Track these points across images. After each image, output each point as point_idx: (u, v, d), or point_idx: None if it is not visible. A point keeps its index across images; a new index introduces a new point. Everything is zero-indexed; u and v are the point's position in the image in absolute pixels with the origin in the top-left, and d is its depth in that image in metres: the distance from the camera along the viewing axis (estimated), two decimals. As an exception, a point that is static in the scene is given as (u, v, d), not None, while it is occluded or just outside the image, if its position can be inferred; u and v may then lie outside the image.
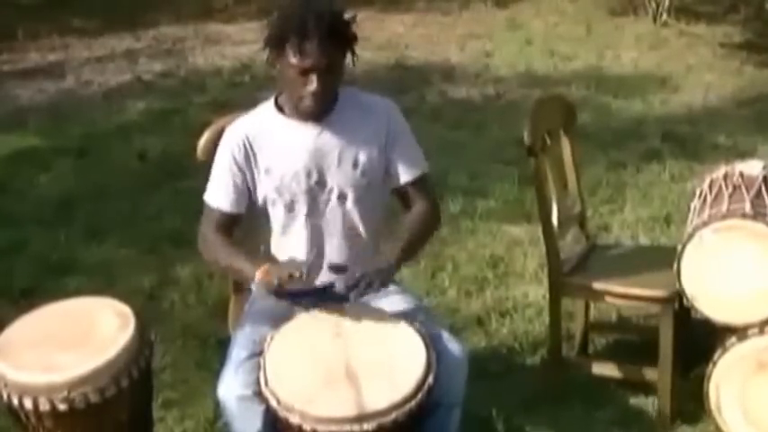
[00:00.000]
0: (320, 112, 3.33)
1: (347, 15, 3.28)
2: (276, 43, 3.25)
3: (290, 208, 3.39)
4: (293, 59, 3.19)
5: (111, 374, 3.15)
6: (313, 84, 3.21)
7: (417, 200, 3.47)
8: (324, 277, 3.45)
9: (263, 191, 3.39)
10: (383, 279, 3.23)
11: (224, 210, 3.39)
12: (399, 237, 3.38)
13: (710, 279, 3.72)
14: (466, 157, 7.06)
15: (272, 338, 3.17)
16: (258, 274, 3.16)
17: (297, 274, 3.08)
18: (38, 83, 9.18)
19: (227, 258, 3.34)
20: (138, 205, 6.31)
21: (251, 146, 3.37)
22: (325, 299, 3.36)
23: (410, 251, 3.40)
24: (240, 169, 3.38)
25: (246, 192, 3.40)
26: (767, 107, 8.19)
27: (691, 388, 4.08)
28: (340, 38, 3.23)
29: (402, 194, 3.50)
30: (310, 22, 3.15)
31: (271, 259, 3.34)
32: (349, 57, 3.33)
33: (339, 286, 3.22)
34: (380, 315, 3.29)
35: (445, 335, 3.28)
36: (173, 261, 5.52)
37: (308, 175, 3.36)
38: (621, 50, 10.00)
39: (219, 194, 3.40)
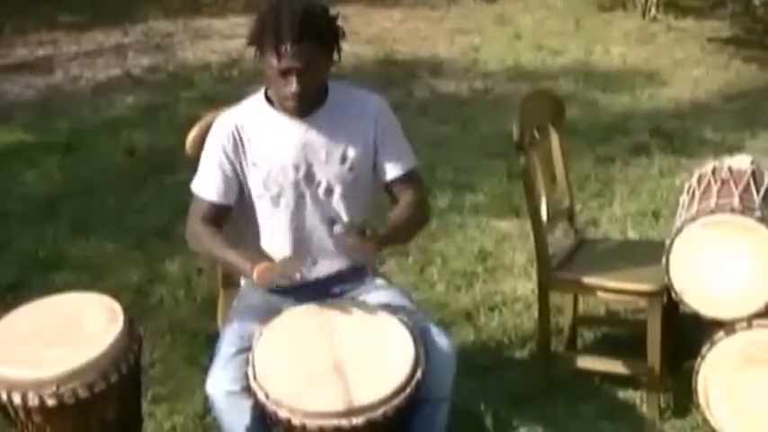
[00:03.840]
0: (304, 110, 3.33)
1: (331, 13, 3.28)
2: (256, 44, 3.26)
3: (276, 202, 3.38)
4: (271, 61, 3.19)
5: (99, 370, 3.14)
6: (292, 85, 3.21)
7: (407, 194, 3.47)
8: (313, 273, 3.45)
9: (250, 184, 3.38)
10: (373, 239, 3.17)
11: (213, 201, 3.38)
12: (388, 223, 3.34)
13: (699, 274, 3.73)
14: (454, 151, 7.07)
15: (260, 333, 3.17)
16: (256, 273, 3.15)
17: (296, 276, 3.09)
18: (25, 78, 9.16)
19: (220, 251, 3.32)
20: (126, 200, 6.30)
21: (240, 137, 3.37)
22: (315, 294, 3.36)
23: (397, 233, 3.33)
24: (229, 160, 3.37)
25: (236, 183, 3.39)
26: (755, 102, 8.22)
27: (679, 382, 4.10)
28: (318, 37, 3.20)
29: (391, 190, 3.49)
30: (285, 24, 3.14)
31: (264, 256, 3.33)
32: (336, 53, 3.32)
33: (338, 230, 3.28)
34: (369, 310, 3.29)
35: (434, 329, 3.28)
36: (161, 256, 5.51)
37: (296, 168, 3.35)
38: (610, 45, 10.03)
39: (208, 185, 3.39)
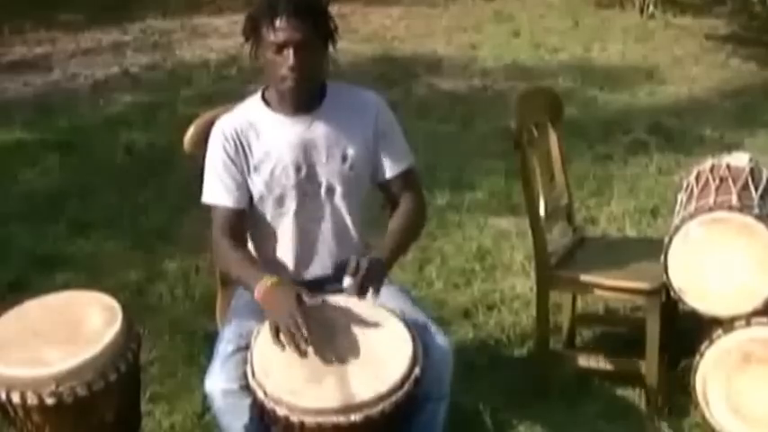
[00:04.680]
0: (302, 92, 3.31)
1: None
2: (251, 28, 3.27)
3: (280, 203, 3.38)
4: (268, 38, 3.20)
5: (98, 368, 3.14)
6: (290, 59, 3.20)
7: (403, 196, 3.47)
8: (314, 272, 3.45)
9: (253, 187, 3.37)
10: (379, 270, 3.20)
11: (229, 206, 3.35)
12: (387, 238, 3.38)
13: (697, 271, 3.73)
14: (453, 149, 7.08)
15: (258, 331, 3.17)
16: (257, 292, 3.13)
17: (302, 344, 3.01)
18: (24, 76, 9.17)
19: (234, 268, 3.30)
20: (125, 199, 6.30)
21: (241, 140, 3.35)
22: (314, 292, 3.36)
23: (398, 251, 3.40)
24: (234, 163, 3.35)
25: (245, 185, 3.36)
26: (752, 100, 8.23)
27: (677, 380, 4.10)
28: (313, 14, 3.23)
29: (388, 189, 3.49)
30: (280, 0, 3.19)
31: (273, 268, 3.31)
32: (331, 48, 3.33)
33: (347, 284, 3.16)
34: (367, 306, 3.28)
35: (432, 327, 3.28)
36: (160, 255, 5.51)
37: (298, 169, 3.35)
38: (608, 43, 10.04)
39: (220, 192, 3.35)
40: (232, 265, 3.32)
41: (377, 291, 3.15)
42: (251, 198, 3.39)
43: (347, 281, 3.15)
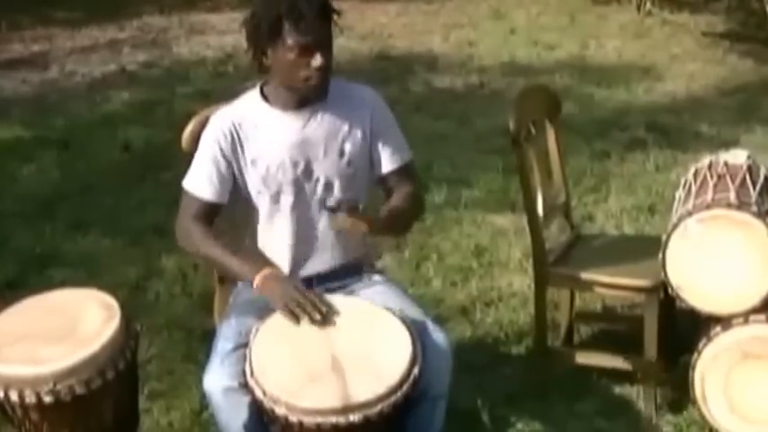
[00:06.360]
0: (322, 90, 3.33)
1: None
2: (270, 31, 3.21)
3: (276, 199, 3.37)
4: (293, 40, 3.19)
5: (96, 366, 3.13)
6: (318, 60, 3.21)
7: (401, 187, 3.46)
8: (313, 268, 3.45)
9: (249, 182, 3.37)
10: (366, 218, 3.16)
11: (206, 199, 3.36)
12: (384, 207, 3.33)
13: (695, 269, 3.73)
14: (450, 146, 7.07)
15: (257, 330, 3.16)
16: (257, 280, 3.19)
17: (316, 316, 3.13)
18: (21, 74, 9.15)
19: (220, 256, 3.32)
20: (122, 197, 6.30)
21: (238, 135, 3.35)
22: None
23: (393, 219, 3.29)
24: (226, 158, 3.35)
25: (230, 181, 3.37)
26: (750, 97, 8.22)
27: (675, 377, 4.10)
28: (330, 14, 3.26)
29: (386, 184, 3.49)
30: (301, 1, 3.17)
31: (267, 262, 3.35)
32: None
33: (330, 203, 3.28)
34: (366, 306, 3.28)
35: (430, 325, 3.28)
36: (157, 252, 5.50)
37: (295, 165, 3.35)
38: (605, 40, 10.03)
39: (202, 183, 3.36)
40: (214, 251, 3.34)
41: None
42: (240, 193, 3.39)
43: (330, 202, 3.27)
